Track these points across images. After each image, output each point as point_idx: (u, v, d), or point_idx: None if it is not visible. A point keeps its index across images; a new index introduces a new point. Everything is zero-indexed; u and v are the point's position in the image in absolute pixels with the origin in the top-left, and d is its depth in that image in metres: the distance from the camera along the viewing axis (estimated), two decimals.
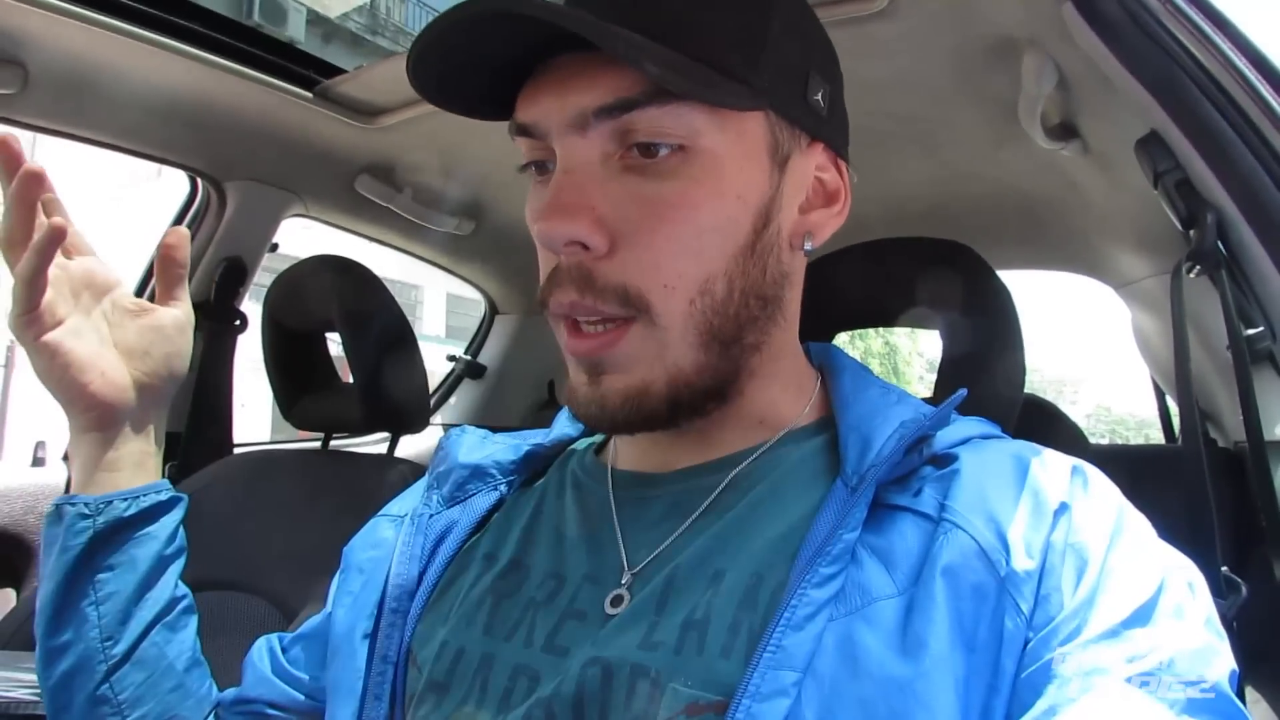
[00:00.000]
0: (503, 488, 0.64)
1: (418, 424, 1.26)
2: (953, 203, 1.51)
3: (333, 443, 1.35)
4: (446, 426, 2.16)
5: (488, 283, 2.15)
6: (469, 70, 0.52)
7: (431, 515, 0.62)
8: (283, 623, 1.00)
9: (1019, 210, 1.48)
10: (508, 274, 2.11)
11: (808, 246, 0.55)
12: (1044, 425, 1.15)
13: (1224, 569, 0.77)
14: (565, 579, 0.54)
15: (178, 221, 1.55)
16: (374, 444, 2.04)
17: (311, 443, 1.39)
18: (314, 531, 1.09)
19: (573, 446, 0.66)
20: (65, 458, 1.51)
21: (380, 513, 0.67)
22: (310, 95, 1.36)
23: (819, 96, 0.54)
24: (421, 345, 1.27)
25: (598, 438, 0.66)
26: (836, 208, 0.56)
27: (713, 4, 0.50)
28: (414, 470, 1.13)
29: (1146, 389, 1.81)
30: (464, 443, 0.66)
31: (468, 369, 2.21)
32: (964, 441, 0.53)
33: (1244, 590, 0.76)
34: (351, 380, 1.25)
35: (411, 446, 1.98)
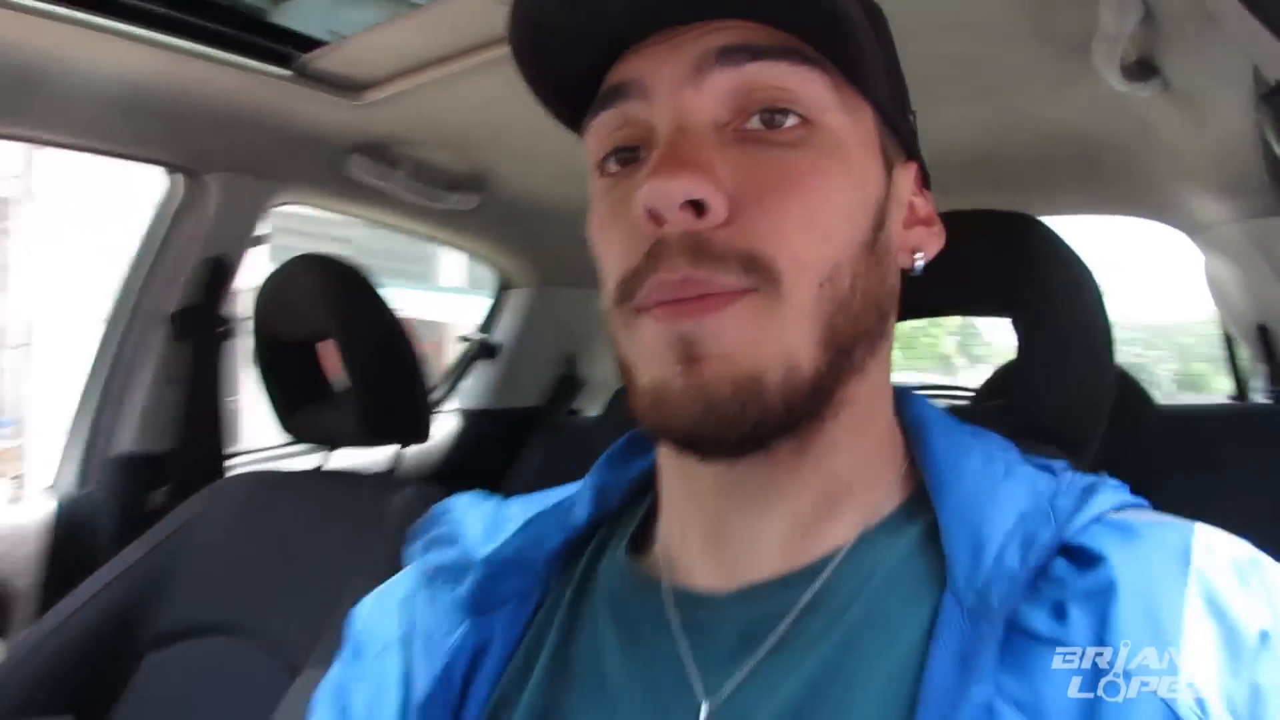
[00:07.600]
0: (537, 594, 0.49)
1: (420, 434, 1.16)
2: (1001, 149, 1.37)
3: (338, 450, 1.25)
4: (464, 412, 2.06)
5: (497, 257, 2.03)
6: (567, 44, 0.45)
7: (447, 633, 0.47)
8: (280, 674, 0.91)
9: (1076, 154, 1.34)
10: (518, 246, 1.99)
11: (919, 262, 0.49)
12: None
13: None
14: None
15: (156, 223, 1.44)
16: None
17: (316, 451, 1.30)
18: (314, 565, 1.00)
19: (602, 536, 0.52)
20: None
21: (353, 647, 0.51)
22: (289, 73, 1.23)
23: (912, 119, 0.51)
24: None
25: (629, 528, 0.51)
26: (936, 228, 0.51)
27: None
28: (419, 495, 1.03)
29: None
30: (470, 524, 0.52)
31: (480, 350, 2.11)
32: (1096, 521, 0.40)
33: None
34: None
35: (417, 447, 1.89)
